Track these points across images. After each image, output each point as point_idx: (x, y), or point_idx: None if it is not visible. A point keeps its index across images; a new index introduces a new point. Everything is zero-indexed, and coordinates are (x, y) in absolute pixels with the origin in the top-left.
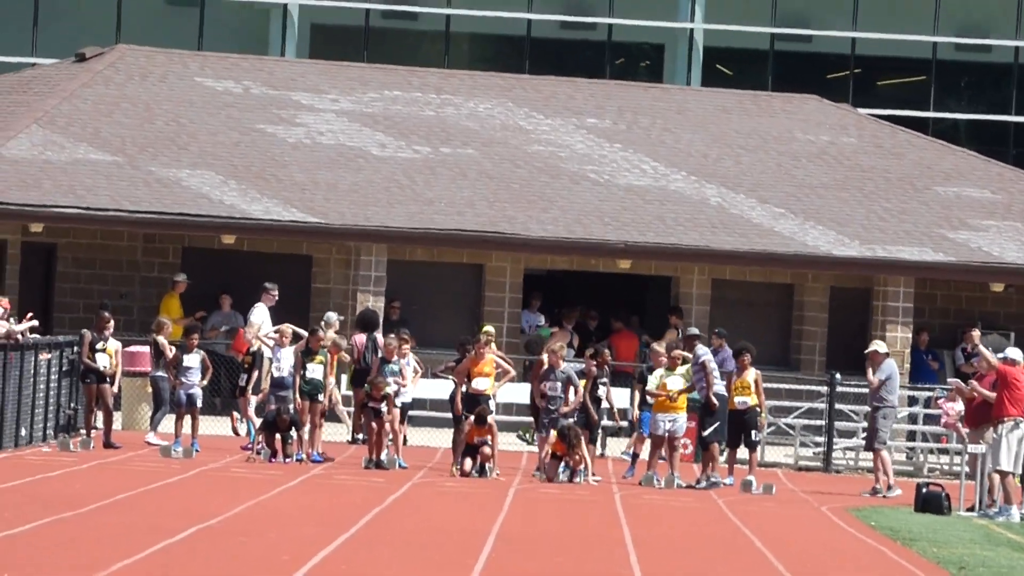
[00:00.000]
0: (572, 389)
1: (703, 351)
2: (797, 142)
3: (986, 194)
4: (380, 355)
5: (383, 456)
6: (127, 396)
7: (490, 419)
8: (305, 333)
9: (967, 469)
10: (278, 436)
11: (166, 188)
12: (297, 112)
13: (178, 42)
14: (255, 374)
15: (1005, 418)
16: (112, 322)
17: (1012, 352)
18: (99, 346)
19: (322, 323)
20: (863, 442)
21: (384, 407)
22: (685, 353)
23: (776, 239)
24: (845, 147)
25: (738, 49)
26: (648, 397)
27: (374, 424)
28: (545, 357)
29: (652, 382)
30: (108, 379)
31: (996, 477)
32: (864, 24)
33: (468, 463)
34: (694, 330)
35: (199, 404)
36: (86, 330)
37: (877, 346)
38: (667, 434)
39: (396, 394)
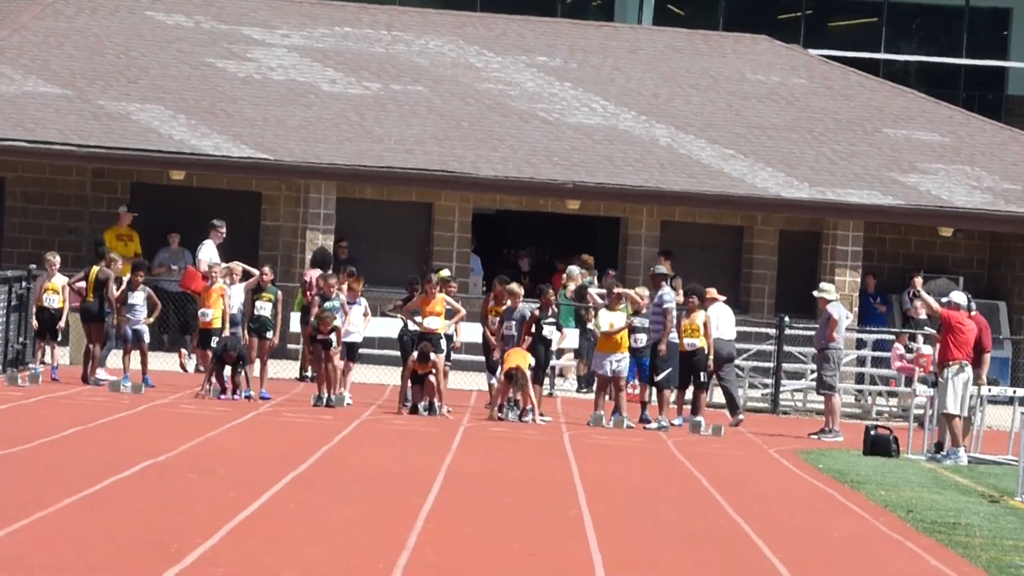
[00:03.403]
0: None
1: (668, 296)
2: (748, 83)
3: (936, 137)
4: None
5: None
6: (75, 332)
7: (434, 356)
8: (255, 271)
9: (919, 411)
10: (227, 373)
11: (115, 122)
12: (248, 47)
13: None
14: None
15: (951, 362)
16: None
17: (956, 296)
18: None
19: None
20: (812, 384)
21: (333, 339)
22: (627, 290)
23: (726, 180)
24: (796, 88)
25: None
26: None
27: (323, 359)
28: (493, 296)
29: (595, 323)
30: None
31: (956, 421)
32: None
33: (413, 394)
34: (661, 269)
35: (146, 340)
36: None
37: (818, 292)
38: (613, 374)
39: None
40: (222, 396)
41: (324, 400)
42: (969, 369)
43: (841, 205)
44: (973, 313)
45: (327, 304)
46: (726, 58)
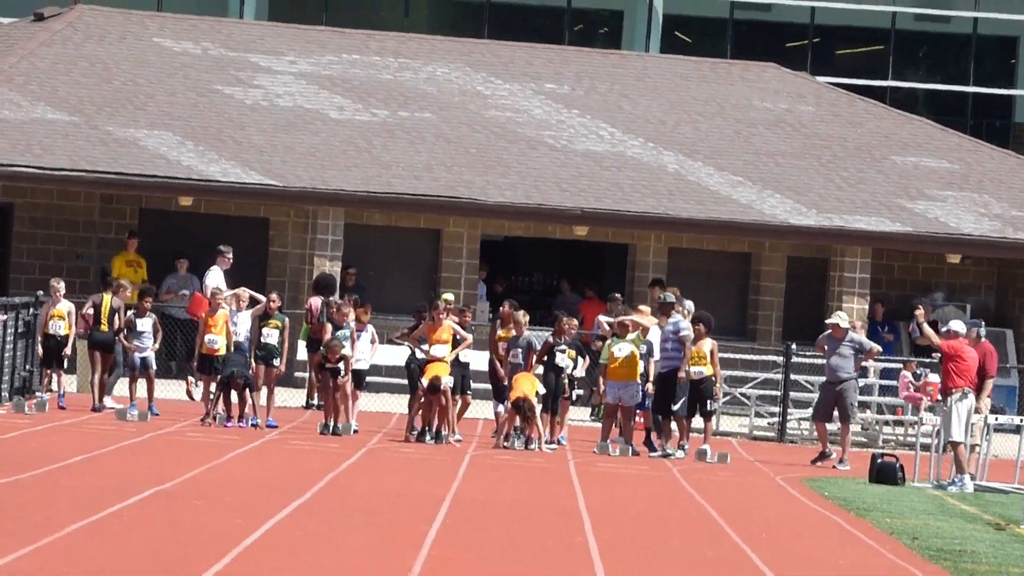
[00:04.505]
0: (533, 357)
1: (685, 324)
2: (755, 110)
3: (943, 164)
4: (325, 319)
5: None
6: (82, 359)
7: (444, 384)
8: (262, 297)
9: (924, 440)
10: (234, 399)
11: (123, 148)
12: (255, 74)
13: (136, 2)
14: None
15: (953, 389)
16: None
17: (955, 325)
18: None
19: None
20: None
21: (341, 367)
22: (635, 318)
23: (733, 207)
24: (803, 115)
25: (697, 17)
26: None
27: (331, 387)
28: (499, 323)
29: (603, 351)
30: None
31: (961, 448)
32: None
33: (420, 414)
34: (671, 297)
35: (153, 367)
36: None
37: (839, 319)
38: (618, 401)
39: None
40: (228, 424)
41: (331, 428)
42: (972, 396)
43: (849, 232)
44: (982, 340)
45: (338, 332)
46: (734, 85)
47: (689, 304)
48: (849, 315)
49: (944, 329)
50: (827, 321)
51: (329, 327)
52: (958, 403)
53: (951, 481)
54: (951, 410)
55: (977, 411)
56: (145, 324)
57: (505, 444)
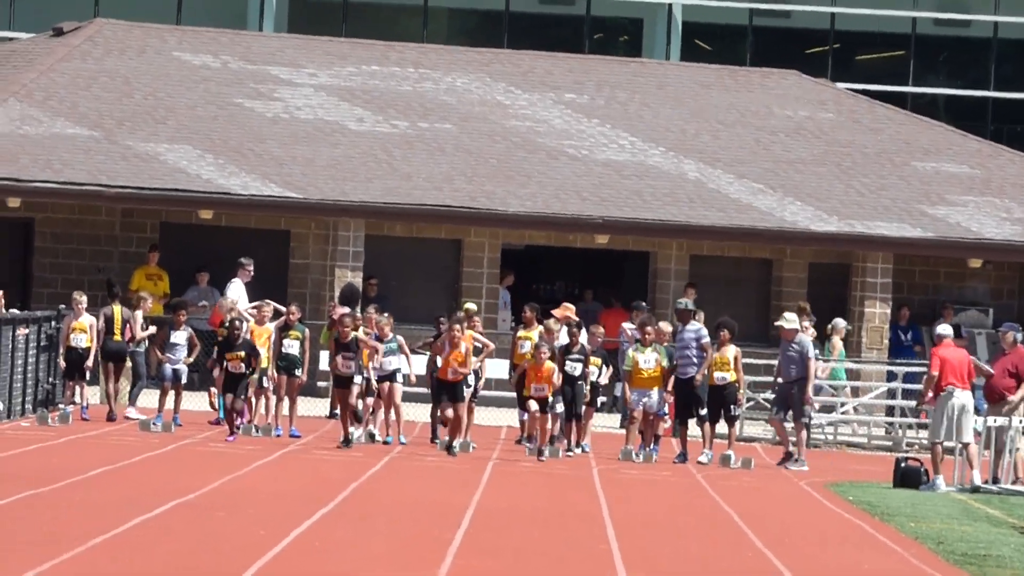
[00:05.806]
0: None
1: (705, 331)
2: (776, 117)
3: (964, 169)
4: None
5: (352, 430)
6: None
7: (465, 393)
8: (284, 309)
9: (948, 444)
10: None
11: (144, 163)
12: (275, 87)
13: (156, 16)
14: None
15: (942, 391)
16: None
17: (941, 328)
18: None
19: (829, 327)
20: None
21: (354, 371)
22: (661, 325)
23: (754, 214)
24: (824, 122)
25: (717, 24)
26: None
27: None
28: (521, 332)
29: (626, 359)
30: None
31: (973, 448)
32: None
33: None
34: (689, 304)
35: (184, 380)
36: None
37: (784, 322)
38: (642, 408)
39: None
40: (232, 436)
41: (344, 439)
42: (959, 393)
43: (870, 238)
44: (1018, 345)
45: (383, 346)
46: (753, 93)
47: (838, 322)
48: (871, 320)
49: (935, 333)
50: (776, 324)
51: (379, 345)
52: (946, 404)
53: (931, 483)
54: (939, 411)
55: (1013, 412)
56: (179, 337)
57: (528, 445)
